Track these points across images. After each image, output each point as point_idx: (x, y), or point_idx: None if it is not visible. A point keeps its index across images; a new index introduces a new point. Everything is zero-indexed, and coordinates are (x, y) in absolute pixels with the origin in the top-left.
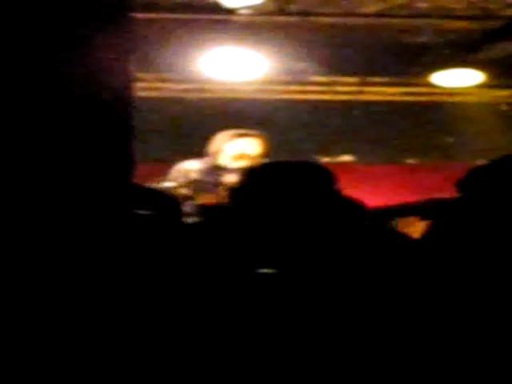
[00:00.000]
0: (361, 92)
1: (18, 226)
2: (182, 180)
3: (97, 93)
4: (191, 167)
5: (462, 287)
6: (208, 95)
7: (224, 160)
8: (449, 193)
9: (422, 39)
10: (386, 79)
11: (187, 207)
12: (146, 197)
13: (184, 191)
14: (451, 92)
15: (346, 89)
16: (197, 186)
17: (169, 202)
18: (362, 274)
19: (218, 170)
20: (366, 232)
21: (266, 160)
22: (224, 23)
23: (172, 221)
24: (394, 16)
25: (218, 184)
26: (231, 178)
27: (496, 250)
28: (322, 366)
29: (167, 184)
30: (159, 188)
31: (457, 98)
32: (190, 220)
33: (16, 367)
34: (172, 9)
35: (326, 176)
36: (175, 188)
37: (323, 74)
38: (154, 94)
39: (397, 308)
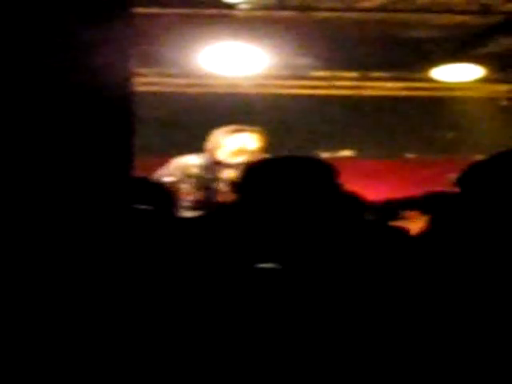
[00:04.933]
0: (361, 87)
1: (18, 220)
2: (180, 175)
3: (97, 87)
4: (191, 162)
5: (461, 282)
6: (208, 90)
7: (222, 155)
8: (448, 187)
9: (422, 34)
10: (386, 74)
11: (186, 202)
12: (145, 191)
13: (183, 186)
14: (451, 87)
15: (345, 83)
16: (196, 181)
17: (167, 196)
18: (361, 268)
19: (216, 165)
20: (366, 226)
21: (265, 155)
22: (224, 18)
23: (169, 215)
24: (394, 11)
25: (216, 179)
26: (230, 174)
27: (495, 245)
28: (322, 360)
29: (166, 179)
30: (158, 182)
31: (457, 93)
32: (188, 214)
33: (16, 367)
34: (172, 3)
35: (326, 171)
36: (174, 183)
37: (323, 69)
38: (154, 88)
39: (397, 303)
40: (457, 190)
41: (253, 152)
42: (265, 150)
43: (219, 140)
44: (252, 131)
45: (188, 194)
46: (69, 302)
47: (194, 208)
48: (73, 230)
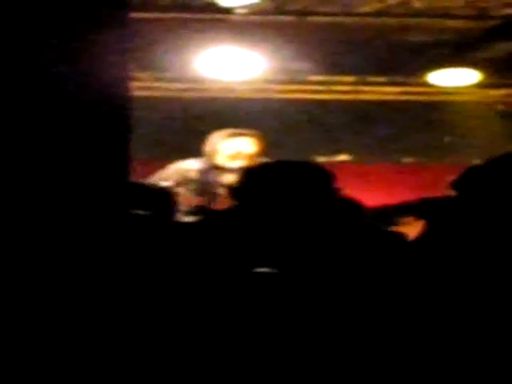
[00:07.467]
0: (358, 91)
1: (17, 225)
2: (179, 179)
3: (94, 92)
4: (190, 167)
5: (457, 286)
6: (205, 94)
7: (220, 160)
8: (445, 192)
9: (419, 38)
10: (383, 78)
11: (184, 206)
12: (143, 195)
13: (181, 190)
14: (448, 91)
15: (343, 88)
16: (194, 185)
17: (165, 201)
18: (359, 272)
19: (215, 169)
20: (363, 231)
21: (262, 159)
22: (221, 22)
23: (167, 220)
24: (391, 15)
25: (215, 184)
26: (228, 178)
27: (492, 249)
28: (320, 364)
29: (164, 183)
30: (156, 187)
31: (453, 98)
32: (187, 219)
33: (16, 367)
34: (169, 8)
35: (324, 175)
36: (172, 187)
37: (320, 74)
38: (150, 93)
39: (393, 307)
40: (453, 194)
41: (250, 156)
42: (262, 153)
43: (216, 144)
44: (249, 135)
45: (186, 199)
46: (68, 307)
47: (192, 213)
48: (70, 235)
